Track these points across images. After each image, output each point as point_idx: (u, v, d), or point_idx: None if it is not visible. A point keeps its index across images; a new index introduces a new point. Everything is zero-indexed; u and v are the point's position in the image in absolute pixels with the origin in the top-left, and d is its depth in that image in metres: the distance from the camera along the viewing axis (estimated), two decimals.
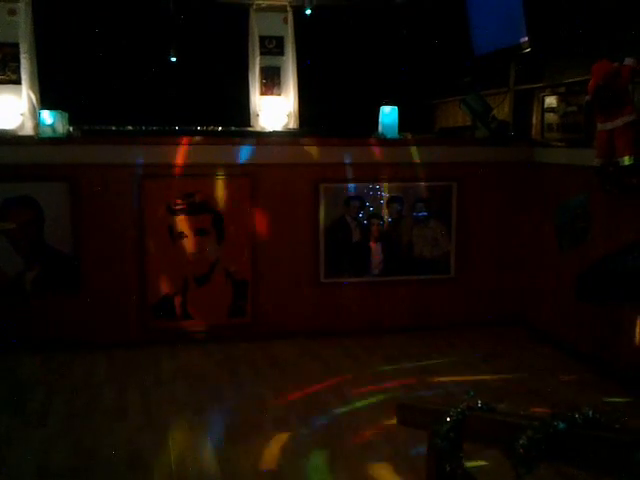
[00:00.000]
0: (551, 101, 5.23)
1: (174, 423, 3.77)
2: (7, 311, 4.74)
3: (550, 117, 5.24)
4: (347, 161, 5.20)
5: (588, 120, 4.54)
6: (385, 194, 5.29)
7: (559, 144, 5.07)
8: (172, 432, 3.64)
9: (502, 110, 5.81)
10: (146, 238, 4.97)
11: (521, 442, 1.37)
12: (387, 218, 5.33)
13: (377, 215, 5.31)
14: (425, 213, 5.37)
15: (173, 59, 6.97)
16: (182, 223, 5.02)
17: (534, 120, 5.54)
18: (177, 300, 5.07)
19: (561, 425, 1.36)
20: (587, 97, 4.35)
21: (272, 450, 3.45)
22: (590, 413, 1.36)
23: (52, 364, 4.62)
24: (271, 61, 6.69)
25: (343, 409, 3.95)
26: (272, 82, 6.63)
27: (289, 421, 3.77)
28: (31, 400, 4.03)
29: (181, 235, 5.03)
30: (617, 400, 4.01)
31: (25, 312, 4.82)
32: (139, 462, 3.29)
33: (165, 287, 5.04)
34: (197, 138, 5.30)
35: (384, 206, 5.31)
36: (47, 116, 5.18)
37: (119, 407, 3.95)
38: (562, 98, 5.09)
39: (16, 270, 4.84)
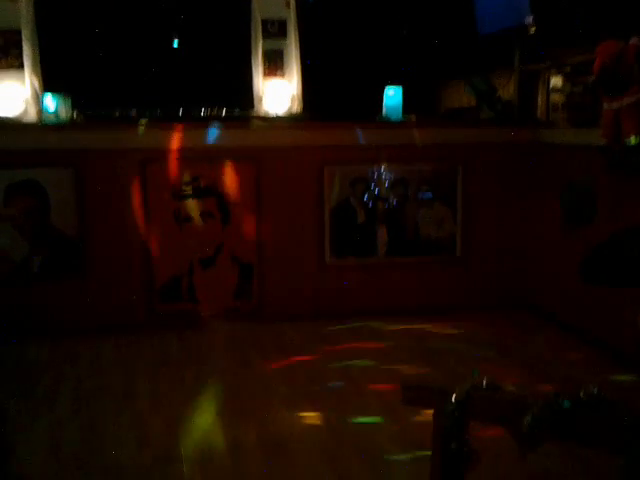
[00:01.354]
0: (556, 81, 5.19)
1: (182, 405, 3.79)
2: (14, 296, 4.77)
3: (555, 97, 5.20)
4: (351, 143, 5.18)
5: (594, 100, 4.51)
6: (390, 176, 5.28)
7: (565, 125, 5.04)
8: (180, 413, 3.67)
9: (507, 91, 5.77)
10: (151, 222, 4.98)
11: (526, 421, 1.38)
12: (392, 200, 5.32)
13: (382, 197, 5.30)
14: (430, 195, 5.36)
15: (176, 43, 6.93)
16: (187, 207, 5.03)
17: (539, 101, 5.51)
18: (183, 283, 5.09)
19: (566, 403, 1.36)
20: (592, 77, 4.32)
21: (280, 428, 3.49)
22: (595, 391, 1.37)
23: (60, 348, 4.65)
24: (274, 44, 6.64)
25: (349, 388, 3.98)
26: (275, 65, 6.58)
27: (296, 400, 3.80)
28: (40, 384, 4.06)
29: (186, 219, 5.04)
30: (622, 379, 4.02)
31: (31, 297, 4.85)
32: (148, 444, 3.32)
33: (171, 270, 5.06)
34: (201, 122, 5.29)
35: (389, 188, 5.30)
36: (50, 102, 5.18)
37: (127, 390, 3.98)
38: (568, 78, 5.06)
39: (22, 255, 4.86)
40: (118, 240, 4.97)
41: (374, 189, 5.27)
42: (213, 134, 5.03)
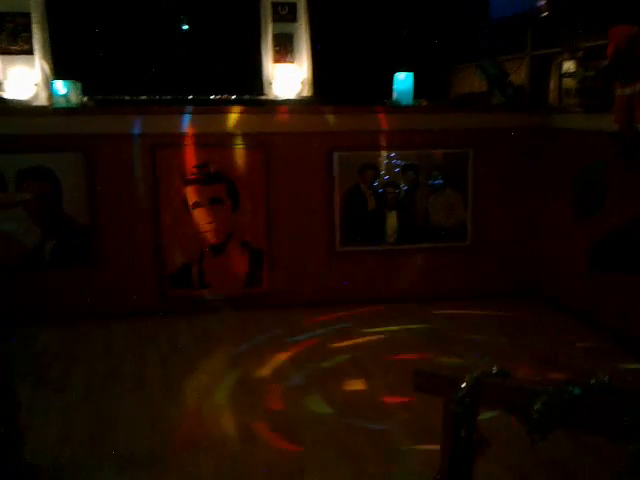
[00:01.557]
0: (569, 66, 5.14)
1: (193, 390, 3.82)
2: (26, 282, 4.80)
3: (568, 82, 5.15)
4: (362, 129, 5.16)
5: (607, 85, 4.46)
6: (400, 162, 5.26)
7: (577, 110, 4.99)
8: (191, 399, 3.70)
9: (519, 76, 5.72)
10: (161, 208, 4.99)
11: (536, 407, 1.38)
12: (402, 186, 5.30)
13: (392, 183, 5.29)
14: (441, 181, 5.34)
15: (185, 27, 6.91)
16: (197, 193, 5.03)
17: (551, 85, 5.46)
18: (194, 269, 5.11)
19: (576, 390, 1.35)
20: (606, 62, 4.27)
21: (290, 413, 3.51)
22: (606, 379, 1.36)
23: (71, 334, 4.69)
24: (284, 28, 6.60)
25: (359, 375, 3.99)
26: (285, 49, 6.55)
27: (306, 386, 3.82)
28: (52, 370, 4.10)
29: (196, 205, 5.05)
30: (633, 367, 4.00)
31: (44, 283, 4.88)
32: (159, 428, 3.35)
33: (181, 257, 5.08)
34: (210, 107, 5.28)
35: (399, 174, 5.28)
36: (61, 86, 5.18)
37: (139, 375, 4.01)
38: (580, 63, 5.00)
39: (34, 241, 4.88)
40: (129, 226, 4.99)
41: (384, 175, 5.25)
42: (220, 119, 5.02)
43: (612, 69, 4.22)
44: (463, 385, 1.66)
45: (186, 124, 4.95)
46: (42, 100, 6.06)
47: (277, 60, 6.66)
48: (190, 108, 5.08)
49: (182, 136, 4.96)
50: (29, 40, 6.11)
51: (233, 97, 6.51)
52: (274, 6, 6.71)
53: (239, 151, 5.05)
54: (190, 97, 6.32)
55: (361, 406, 3.60)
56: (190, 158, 4.99)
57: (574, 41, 4.93)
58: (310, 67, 6.75)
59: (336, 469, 2.99)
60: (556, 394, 1.37)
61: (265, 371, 4.09)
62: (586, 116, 4.86)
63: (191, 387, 3.87)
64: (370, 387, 3.85)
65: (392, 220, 5.33)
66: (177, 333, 4.74)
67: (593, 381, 1.38)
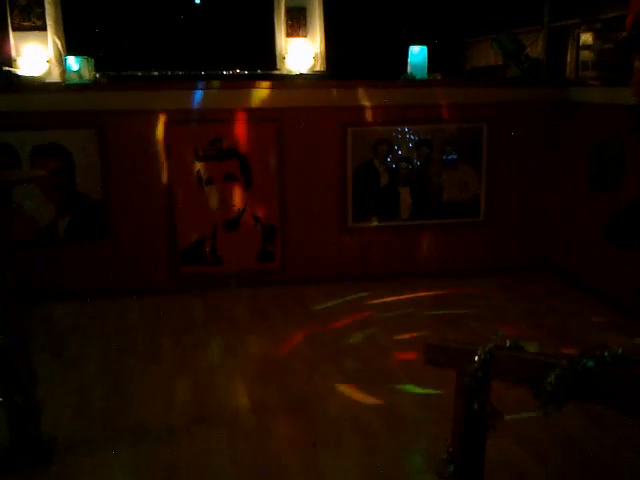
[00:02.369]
0: (587, 38, 5.06)
1: (206, 365, 3.84)
2: (41, 259, 4.83)
3: (585, 55, 5.08)
4: (375, 104, 5.11)
5: (625, 58, 4.38)
6: (414, 137, 5.21)
7: (594, 83, 4.91)
8: (204, 374, 3.72)
9: (535, 48, 5.64)
10: (174, 184, 4.99)
11: (549, 380, 1.37)
12: (416, 161, 5.26)
13: (406, 158, 5.25)
14: (455, 156, 5.29)
15: (197, 1, 6.86)
16: (210, 169, 5.02)
17: (569, 58, 5.38)
18: (207, 246, 5.12)
19: (590, 363, 1.35)
20: (624, 33, 4.19)
21: (303, 388, 3.53)
22: (619, 351, 1.35)
23: (86, 310, 4.73)
24: (296, 2, 6.53)
25: (372, 350, 4.00)
26: (298, 23, 6.49)
27: (318, 362, 3.83)
28: (68, 345, 4.14)
29: (209, 181, 5.04)
30: None
31: (58, 260, 4.92)
32: (173, 402, 3.38)
33: (194, 233, 5.08)
34: (223, 82, 5.25)
35: (413, 149, 5.24)
36: (73, 62, 5.17)
37: (153, 351, 4.04)
38: (598, 35, 4.92)
39: (49, 218, 4.91)
40: (142, 202, 4.99)
41: (397, 150, 5.21)
42: (233, 95, 4.99)
43: (631, 41, 4.14)
44: (476, 358, 1.66)
45: (199, 100, 4.92)
46: (55, 76, 6.07)
47: (290, 34, 6.61)
48: (203, 83, 5.05)
49: (195, 112, 4.93)
50: (42, 16, 6.10)
51: (246, 72, 6.48)
52: None
53: (252, 127, 5.02)
54: (202, 72, 6.30)
55: (373, 381, 3.60)
56: (203, 134, 4.97)
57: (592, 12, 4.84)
58: (323, 41, 6.68)
59: (348, 443, 3.00)
60: (569, 366, 1.36)
61: (278, 346, 4.10)
62: (604, 89, 4.78)
63: (205, 362, 3.89)
64: (382, 362, 3.85)
65: (405, 196, 5.30)
66: (191, 309, 4.76)
67: (607, 354, 1.37)
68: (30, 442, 2.83)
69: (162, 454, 2.93)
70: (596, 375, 1.35)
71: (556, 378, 1.37)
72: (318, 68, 6.64)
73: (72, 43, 6.16)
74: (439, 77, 5.47)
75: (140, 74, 6.28)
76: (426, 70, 5.38)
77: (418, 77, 5.33)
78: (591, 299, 4.79)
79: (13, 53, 5.96)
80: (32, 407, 2.84)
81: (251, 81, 5.20)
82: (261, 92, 5.00)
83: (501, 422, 1.73)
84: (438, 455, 1.90)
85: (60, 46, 6.14)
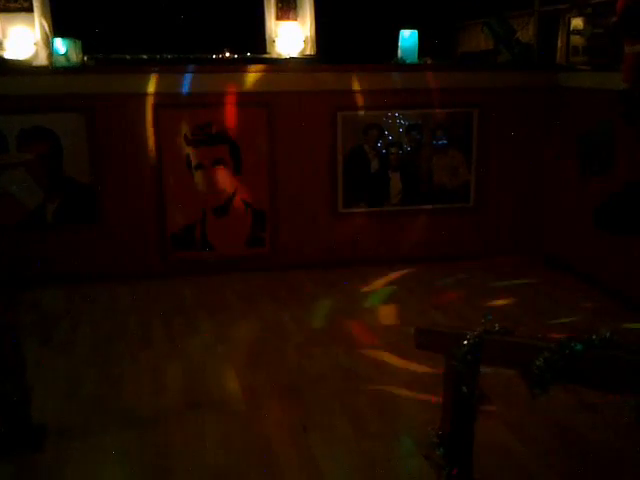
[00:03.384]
0: (577, 23, 5.05)
1: (197, 350, 3.85)
2: (29, 243, 4.80)
3: (576, 40, 5.06)
4: (365, 88, 5.09)
5: (615, 43, 4.38)
6: (404, 122, 5.20)
7: (585, 68, 4.91)
8: (195, 359, 3.72)
9: (526, 33, 5.62)
10: (164, 168, 4.96)
11: (537, 363, 1.38)
12: (406, 146, 5.25)
13: (396, 143, 5.24)
14: (445, 141, 5.28)
15: None
16: (199, 153, 4.99)
17: (559, 43, 5.37)
18: (196, 231, 5.10)
19: (578, 346, 1.35)
20: (614, 18, 4.19)
21: (293, 373, 3.54)
22: (607, 335, 1.36)
23: (75, 295, 4.71)
24: None
25: (362, 335, 4.01)
26: (288, 7, 6.43)
27: (308, 346, 3.84)
28: (57, 330, 4.12)
29: (199, 166, 5.01)
30: (636, 327, 4.01)
31: (46, 244, 4.88)
32: (164, 388, 3.38)
33: (184, 218, 5.06)
34: (213, 66, 5.20)
35: (403, 134, 5.23)
36: (60, 45, 5.10)
37: (143, 336, 4.04)
38: (589, 20, 4.91)
39: (37, 202, 4.86)
40: (131, 186, 4.96)
41: (388, 135, 5.19)
42: (222, 78, 4.96)
43: (621, 26, 4.14)
44: (465, 342, 1.66)
45: (188, 83, 4.89)
46: (42, 59, 5.98)
47: (280, 17, 6.54)
48: (192, 67, 5.01)
49: (184, 96, 4.90)
50: None
51: (235, 56, 6.42)
52: None
53: (241, 111, 4.99)
54: (192, 56, 6.23)
55: (364, 366, 3.62)
56: (192, 118, 4.94)
57: None
58: (313, 25, 6.63)
59: (338, 428, 3.02)
60: (558, 350, 1.37)
61: (268, 331, 4.11)
62: (594, 74, 4.78)
63: (195, 347, 3.89)
64: (372, 347, 3.86)
65: (396, 181, 5.29)
66: (181, 294, 4.75)
67: (595, 337, 1.38)
68: (20, 428, 2.82)
69: (153, 438, 2.93)
70: (584, 358, 1.36)
71: (544, 361, 1.38)
72: (308, 52, 6.59)
73: (59, 25, 6.08)
74: (430, 62, 5.44)
75: (129, 57, 6.21)
76: (417, 54, 5.36)
77: (408, 61, 5.31)
78: (582, 285, 4.81)
79: None
80: (22, 393, 2.83)
81: (241, 65, 5.15)
82: (251, 76, 4.97)
83: (489, 406, 1.75)
84: (428, 439, 1.91)
85: (47, 28, 6.06)
